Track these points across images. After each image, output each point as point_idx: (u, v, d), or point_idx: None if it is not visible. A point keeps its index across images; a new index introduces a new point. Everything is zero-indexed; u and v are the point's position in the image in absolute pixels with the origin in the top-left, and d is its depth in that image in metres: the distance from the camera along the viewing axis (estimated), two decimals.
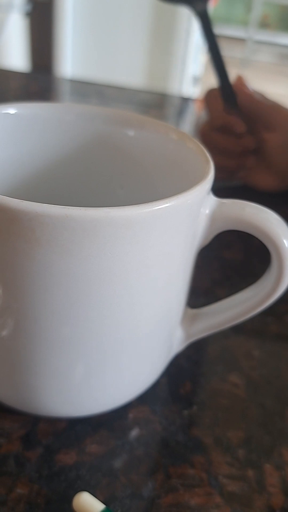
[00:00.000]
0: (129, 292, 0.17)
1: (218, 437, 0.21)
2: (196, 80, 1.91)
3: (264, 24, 3.99)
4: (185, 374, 0.24)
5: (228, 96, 0.38)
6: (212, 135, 0.40)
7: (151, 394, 0.23)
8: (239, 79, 0.39)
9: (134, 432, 0.21)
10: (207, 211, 0.18)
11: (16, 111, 0.21)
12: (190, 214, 0.17)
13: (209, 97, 0.41)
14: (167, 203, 0.15)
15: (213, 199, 0.18)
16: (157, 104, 0.70)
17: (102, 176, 0.23)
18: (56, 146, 0.22)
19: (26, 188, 0.23)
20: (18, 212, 0.14)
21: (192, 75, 1.87)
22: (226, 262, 0.34)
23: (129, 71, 1.74)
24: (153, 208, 0.15)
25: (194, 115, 0.69)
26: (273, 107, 0.38)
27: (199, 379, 0.24)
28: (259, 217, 0.18)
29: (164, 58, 1.73)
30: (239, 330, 0.27)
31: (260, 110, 0.38)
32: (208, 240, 0.19)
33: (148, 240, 0.16)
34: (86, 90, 0.70)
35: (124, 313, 0.17)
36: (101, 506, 0.17)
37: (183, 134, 0.21)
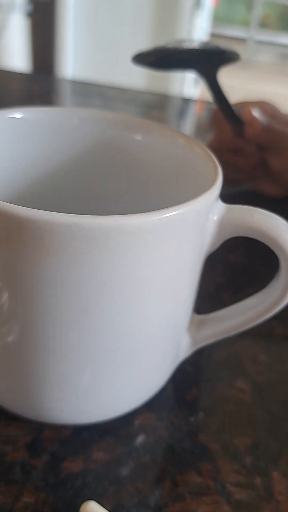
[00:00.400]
0: (138, 300, 0.16)
1: (225, 444, 0.21)
2: (197, 81, 1.91)
3: (264, 24, 3.99)
4: (191, 380, 0.24)
5: (237, 126, 0.38)
6: (221, 152, 0.40)
7: (157, 400, 0.22)
8: (249, 115, 0.38)
9: (141, 439, 0.21)
10: (215, 218, 0.18)
11: (20, 115, 0.21)
12: (199, 220, 0.17)
13: (216, 118, 0.40)
14: (176, 210, 0.15)
15: (221, 205, 0.18)
16: (158, 105, 0.70)
17: (107, 181, 0.23)
18: (60, 151, 0.22)
19: (30, 193, 0.23)
20: (26, 220, 0.14)
21: (193, 76, 1.87)
22: (230, 266, 0.33)
23: (130, 72, 1.74)
24: (163, 216, 0.15)
25: (195, 116, 0.69)
26: (281, 135, 0.38)
27: (205, 385, 0.24)
28: (268, 223, 0.18)
29: None
30: (245, 334, 0.27)
31: (268, 141, 0.38)
32: (216, 246, 0.19)
33: (157, 247, 0.15)
34: (88, 91, 0.70)
35: (133, 321, 0.17)
36: None
37: (190, 139, 0.20)
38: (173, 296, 0.18)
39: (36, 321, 0.16)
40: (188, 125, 0.65)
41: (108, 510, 0.18)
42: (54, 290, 0.15)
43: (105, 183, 0.24)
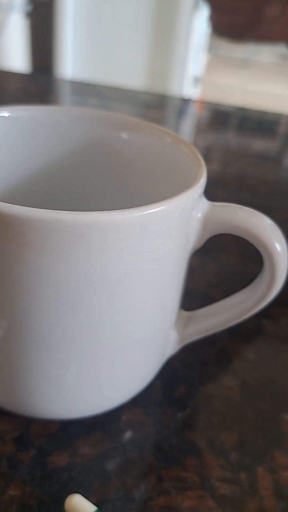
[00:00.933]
0: (121, 296, 0.17)
1: (212, 440, 0.21)
2: (196, 80, 1.91)
3: None
4: (180, 377, 0.24)
5: None
6: None
7: (145, 397, 0.23)
8: None
9: (128, 435, 0.21)
10: (199, 215, 0.18)
11: (10, 114, 0.21)
12: (182, 218, 0.17)
13: None
14: (158, 207, 0.15)
15: (205, 203, 0.18)
16: (157, 105, 0.70)
17: (97, 180, 0.24)
18: (51, 150, 0.22)
19: (21, 192, 0.23)
20: (8, 216, 0.14)
21: (192, 76, 1.87)
22: (222, 264, 0.34)
23: (129, 72, 1.74)
24: (144, 213, 0.15)
25: (195, 116, 0.69)
26: None
27: (193, 382, 0.24)
28: (251, 221, 0.18)
29: (164, 58, 1.73)
30: (235, 332, 0.27)
31: None
32: (201, 244, 0.19)
33: (139, 244, 0.16)
34: (86, 91, 0.70)
35: (117, 317, 0.17)
36: (93, 508, 0.17)
37: (178, 138, 0.21)
38: (157, 292, 0.18)
39: (20, 317, 0.16)
40: (187, 125, 0.65)
41: (93, 503, 0.18)
42: (37, 286, 0.15)
43: (95, 182, 0.24)
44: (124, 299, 0.17)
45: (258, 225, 0.18)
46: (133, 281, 0.17)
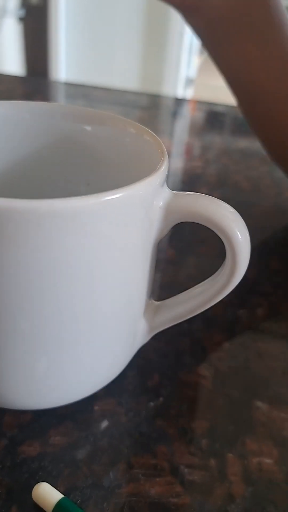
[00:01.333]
0: (83, 284, 0.17)
1: (183, 428, 0.22)
2: (189, 81, 1.92)
3: None
4: (154, 366, 0.24)
5: None
6: None
7: (118, 386, 0.23)
8: None
9: (99, 424, 0.21)
10: (160, 203, 0.18)
11: None
12: (142, 206, 0.17)
13: None
14: (116, 194, 0.16)
15: (166, 192, 0.18)
16: (150, 106, 0.70)
17: (66, 174, 0.24)
18: (16, 146, 0.23)
19: None
20: None
21: (185, 77, 1.87)
22: (202, 257, 0.34)
23: (123, 74, 1.75)
24: (100, 200, 0.15)
25: (187, 116, 0.69)
26: None
27: (167, 372, 0.24)
28: (212, 208, 0.18)
29: (157, 60, 1.73)
30: (211, 323, 0.28)
31: None
32: (165, 233, 0.19)
33: (98, 232, 0.16)
34: (75, 92, 0.71)
35: (79, 305, 0.17)
36: (60, 496, 0.18)
37: (142, 128, 0.21)
38: (122, 281, 0.18)
39: None
40: (181, 126, 0.65)
41: (61, 492, 0.18)
42: None
43: (65, 176, 0.24)
44: (86, 287, 0.17)
45: (219, 213, 0.18)
46: (94, 269, 0.17)
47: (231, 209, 0.19)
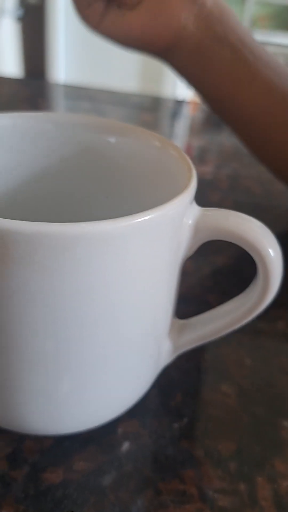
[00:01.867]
0: (111, 308, 0.16)
1: (209, 450, 0.21)
2: None
3: (257, 23, 3.99)
4: (176, 385, 0.24)
5: None
6: None
7: (140, 407, 0.22)
8: None
9: (123, 447, 0.21)
10: (190, 221, 0.17)
11: None
12: (173, 225, 0.16)
13: None
14: (147, 215, 0.15)
15: (196, 209, 0.18)
16: (150, 107, 0.70)
17: (85, 187, 0.23)
18: (35, 158, 0.22)
19: (6, 202, 0.22)
20: None
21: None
22: (217, 268, 0.33)
23: (122, 74, 1.74)
24: (132, 222, 0.15)
25: (188, 117, 0.68)
26: None
27: (189, 390, 0.24)
28: (244, 226, 0.17)
29: (157, 61, 1.72)
30: (230, 337, 0.27)
31: None
32: (193, 251, 0.19)
33: (128, 254, 0.15)
34: (78, 95, 0.70)
35: (107, 329, 0.17)
36: None
37: (167, 141, 0.20)
38: (149, 302, 0.18)
39: (8, 331, 0.16)
40: (181, 127, 0.65)
41: None
42: (23, 301, 0.15)
43: (83, 189, 0.23)
44: (115, 311, 0.16)
45: (249, 230, 0.18)
46: (122, 293, 0.16)
47: (262, 226, 0.18)
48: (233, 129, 0.35)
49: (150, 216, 0.15)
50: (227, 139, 0.60)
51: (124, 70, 1.74)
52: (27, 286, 0.15)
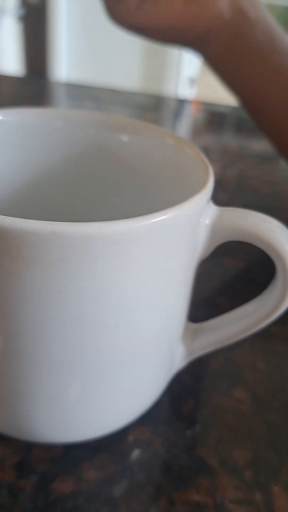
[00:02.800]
0: (126, 311, 0.15)
1: (223, 458, 0.20)
2: (192, 81, 1.90)
3: None
4: (188, 391, 0.23)
5: None
6: None
7: (152, 414, 0.21)
8: None
9: (135, 456, 0.20)
10: (207, 221, 0.17)
11: (2, 118, 0.20)
12: (190, 225, 0.16)
13: None
14: (164, 215, 0.14)
15: (213, 208, 0.17)
16: (152, 106, 0.69)
17: (96, 185, 0.22)
18: (45, 155, 0.21)
19: (15, 200, 0.22)
20: (1, 229, 0.13)
21: (188, 77, 1.86)
22: (227, 270, 0.32)
23: (124, 74, 1.73)
24: (149, 221, 0.14)
25: (191, 117, 0.68)
26: None
27: (202, 396, 0.23)
28: (263, 226, 0.17)
29: (159, 60, 1.72)
30: (243, 341, 0.26)
31: None
32: (209, 252, 0.18)
33: (144, 255, 0.14)
34: (81, 94, 0.69)
35: (121, 332, 0.16)
36: None
37: (181, 139, 0.19)
38: (164, 305, 0.17)
39: (17, 335, 0.15)
40: (183, 127, 0.64)
41: None
42: (35, 302, 0.14)
43: (94, 187, 0.23)
44: (129, 314, 0.16)
45: (269, 230, 0.17)
46: (138, 294, 0.15)
47: (282, 226, 0.17)
48: (266, 130, 0.34)
49: (167, 215, 0.14)
50: (231, 139, 0.59)
51: (126, 68, 1.74)
52: (39, 288, 0.14)
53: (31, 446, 0.20)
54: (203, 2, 0.29)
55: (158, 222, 0.14)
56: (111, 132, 0.21)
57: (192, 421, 0.22)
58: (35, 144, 0.21)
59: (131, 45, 1.71)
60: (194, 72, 1.90)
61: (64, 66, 1.74)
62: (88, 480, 0.19)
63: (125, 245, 0.14)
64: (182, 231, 0.15)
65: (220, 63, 0.33)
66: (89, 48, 1.73)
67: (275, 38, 0.31)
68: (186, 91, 1.86)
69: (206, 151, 0.54)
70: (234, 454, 0.20)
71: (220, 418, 0.22)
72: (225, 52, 0.31)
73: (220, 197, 0.42)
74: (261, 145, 0.57)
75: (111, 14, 0.32)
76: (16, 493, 0.18)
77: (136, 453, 0.20)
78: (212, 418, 0.22)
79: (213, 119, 0.67)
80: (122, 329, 0.16)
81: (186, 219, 0.15)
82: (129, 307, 0.15)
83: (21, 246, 0.13)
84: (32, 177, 0.22)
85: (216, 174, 0.47)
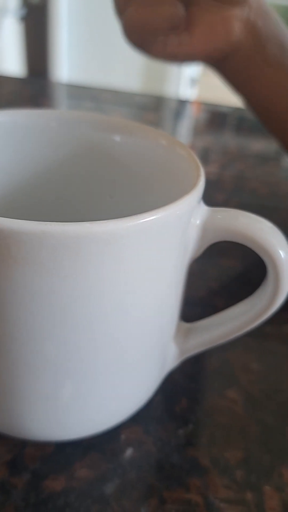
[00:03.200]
0: (116, 311, 0.16)
1: (215, 458, 0.20)
2: (193, 82, 1.90)
3: None
4: (181, 390, 0.23)
5: None
6: None
7: (144, 413, 0.22)
8: None
9: (127, 455, 0.20)
10: (198, 222, 0.17)
11: None
12: (180, 225, 0.16)
13: None
14: (154, 215, 0.14)
15: (204, 209, 0.17)
16: (153, 107, 0.69)
17: (90, 185, 0.22)
18: (39, 155, 0.21)
19: (8, 201, 0.22)
20: None
21: (189, 77, 1.86)
22: (223, 270, 0.32)
23: (126, 74, 1.74)
24: (139, 221, 0.14)
25: (191, 117, 0.68)
26: None
27: (195, 396, 0.23)
28: (253, 227, 0.17)
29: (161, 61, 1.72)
30: (237, 341, 0.26)
31: None
32: (200, 252, 0.18)
33: (134, 254, 0.15)
34: (81, 94, 0.69)
35: (112, 332, 0.16)
36: None
37: (173, 139, 0.20)
38: (155, 304, 0.17)
39: (8, 334, 0.15)
40: (184, 127, 0.64)
41: None
42: (25, 302, 0.14)
43: (88, 188, 0.23)
44: (120, 313, 0.16)
45: (260, 231, 0.17)
46: (128, 294, 0.15)
47: (272, 227, 0.17)
48: (275, 131, 0.36)
49: (157, 215, 0.14)
50: (231, 140, 0.59)
51: (127, 69, 1.74)
52: (29, 287, 0.14)
53: (24, 444, 0.20)
54: (224, 34, 0.31)
55: (148, 222, 0.14)
56: (105, 132, 0.21)
57: (185, 421, 0.22)
58: (29, 145, 0.21)
59: None
60: (195, 72, 1.90)
61: (65, 66, 1.74)
62: (80, 478, 0.19)
63: (116, 244, 0.14)
64: (172, 231, 0.15)
65: (234, 78, 0.34)
66: (90, 48, 1.73)
67: (285, 49, 0.32)
68: (187, 92, 1.86)
69: (206, 151, 0.54)
70: (226, 453, 0.21)
71: (213, 418, 0.22)
72: (239, 69, 0.33)
73: (218, 197, 0.42)
74: (261, 145, 0.57)
75: (145, 52, 0.34)
76: (8, 490, 0.18)
77: (128, 452, 0.20)
78: (205, 418, 0.22)
79: (214, 119, 0.67)
80: (114, 329, 0.16)
81: (176, 219, 0.15)
82: (120, 307, 0.16)
83: (12, 246, 0.13)
84: (27, 178, 0.22)
85: (215, 174, 0.47)
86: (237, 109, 0.69)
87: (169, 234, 0.15)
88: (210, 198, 0.17)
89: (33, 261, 0.13)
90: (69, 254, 0.13)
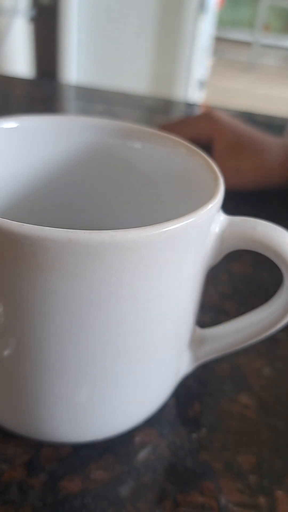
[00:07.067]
0: (137, 317, 0.16)
1: (228, 462, 0.21)
2: (202, 84, 1.90)
3: (269, 28, 3.98)
4: (194, 395, 0.23)
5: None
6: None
7: (158, 416, 0.22)
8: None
9: (141, 457, 0.20)
10: (217, 230, 0.17)
11: (16, 124, 0.20)
12: (200, 234, 0.16)
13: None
14: (176, 224, 0.15)
15: (223, 217, 0.17)
16: (162, 109, 0.69)
17: (108, 191, 0.23)
18: (59, 161, 0.22)
19: (28, 206, 0.22)
20: (19, 236, 0.13)
21: (197, 80, 1.86)
22: (235, 275, 0.33)
23: (134, 76, 1.74)
24: (162, 230, 0.14)
25: None
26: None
27: (208, 400, 0.23)
28: (271, 235, 0.17)
29: (169, 62, 1.72)
30: (249, 347, 0.27)
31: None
32: (218, 260, 0.18)
33: (155, 262, 0.15)
34: (91, 96, 0.70)
35: (131, 337, 0.16)
36: None
37: (192, 148, 0.20)
38: (173, 311, 0.17)
39: (32, 338, 0.16)
40: None
41: None
42: (49, 308, 0.15)
43: (105, 194, 0.23)
44: (140, 319, 0.16)
45: (278, 239, 0.17)
46: (148, 301, 0.16)
47: None
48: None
49: (179, 224, 0.15)
50: None
51: (136, 71, 1.74)
52: (54, 293, 0.14)
53: (41, 445, 0.20)
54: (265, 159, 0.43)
55: (170, 231, 0.14)
56: (123, 139, 0.21)
57: (198, 425, 0.22)
58: (49, 150, 0.21)
59: (142, 47, 1.71)
60: (203, 75, 1.90)
61: (74, 68, 1.75)
62: (96, 480, 0.19)
63: (138, 252, 0.14)
64: (193, 239, 0.16)
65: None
66: (99, 50, 1.73)
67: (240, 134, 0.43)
68: (195, 94, 1.86)
69: None
70: (238, 458, 0.21)
71: (226, 423, 0.22)
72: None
73: (227, 204, 0.43)
74: None
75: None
76: (26, 491, 0.18)
77: (142, 455, 0.20)
78: (218, 423, 0.22)
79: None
80: (133, 334, 0.16)
81: (197, 228, 0.16)
82: (140, 313, 0.16)
83: (38, 253, 0.13)
84: (45, 183, 0.22)
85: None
86: (244, 112, 0.69)
87: (190, 242, 0.16)
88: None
89: (58, 267, 0.14)
90: (93, 261, 0.14)
